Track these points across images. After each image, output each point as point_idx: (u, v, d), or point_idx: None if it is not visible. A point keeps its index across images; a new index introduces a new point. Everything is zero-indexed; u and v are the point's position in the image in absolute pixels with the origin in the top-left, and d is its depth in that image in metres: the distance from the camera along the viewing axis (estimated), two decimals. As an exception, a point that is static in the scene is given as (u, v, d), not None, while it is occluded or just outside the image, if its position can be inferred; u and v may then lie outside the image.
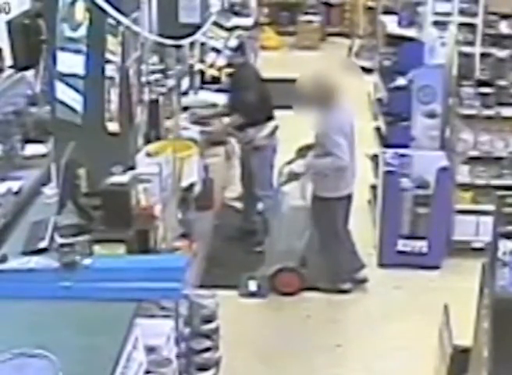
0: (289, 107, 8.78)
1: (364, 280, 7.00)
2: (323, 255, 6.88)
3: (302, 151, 6.89)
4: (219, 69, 9.12)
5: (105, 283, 3.54)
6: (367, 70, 12.30)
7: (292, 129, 8.40)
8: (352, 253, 6.96)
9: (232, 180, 8.61)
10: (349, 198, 6.80)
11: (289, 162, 6.88)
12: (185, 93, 7.90)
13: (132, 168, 4.50)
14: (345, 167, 6.50)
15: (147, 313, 3.75)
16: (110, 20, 4.23)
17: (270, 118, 7.54)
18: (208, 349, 4.45)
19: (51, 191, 4.64)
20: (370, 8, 13.94)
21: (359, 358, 6.05)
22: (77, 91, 4.29)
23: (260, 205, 7.66)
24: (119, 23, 4.24)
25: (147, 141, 5.76)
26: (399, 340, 6.18)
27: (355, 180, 6.82)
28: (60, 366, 2.93)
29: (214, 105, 8.18)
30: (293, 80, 6.94)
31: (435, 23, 7.83)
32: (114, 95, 4.37)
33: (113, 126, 4.40)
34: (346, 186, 6.70)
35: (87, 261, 3.62)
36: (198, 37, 7.34)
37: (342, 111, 6.66)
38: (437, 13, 7.93)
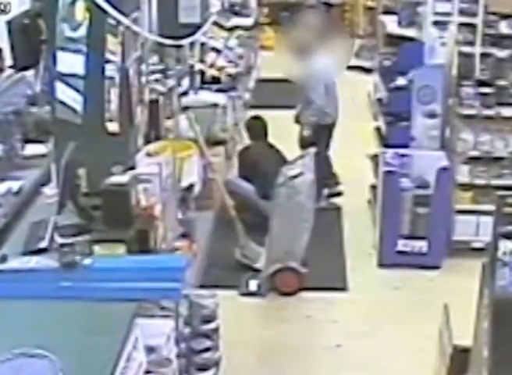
0: (288, 107, 8.77)
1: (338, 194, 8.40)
2: None
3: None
4: (219, 69, 9.13)
5: (105, 283, 3.54)
6: (367, 70, 12.30)
7: (291, 128, 8.40)
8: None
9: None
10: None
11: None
12: (185, 93, 7.90)
13: (132, 168, 4.50)
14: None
15: (147, 313, 3.75)
16: (110, 20, 4.23)
17: None
18: (208, 349, 4.45)
19: (51, 191, 4.63)
20: (370, 8, 13.96)
21: (359, 358, 6.04)
22: (77, 91, 4.29)
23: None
24: (119, 23, 4.24)
25: (147, 141, 5.75)
26: (399, 340, 6.17)
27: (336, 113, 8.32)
28: (60, 366, 2.93)
29: (214, 105, 8.20)
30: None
31: (435, 23, 7.83)
32: (114, 95, 4.36)
33: (113, 126, 4.40)
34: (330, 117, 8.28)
35: (87, 261, 3.63)
36: (198, 37, 7.34)
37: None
38: (437, 13, 7.92)
